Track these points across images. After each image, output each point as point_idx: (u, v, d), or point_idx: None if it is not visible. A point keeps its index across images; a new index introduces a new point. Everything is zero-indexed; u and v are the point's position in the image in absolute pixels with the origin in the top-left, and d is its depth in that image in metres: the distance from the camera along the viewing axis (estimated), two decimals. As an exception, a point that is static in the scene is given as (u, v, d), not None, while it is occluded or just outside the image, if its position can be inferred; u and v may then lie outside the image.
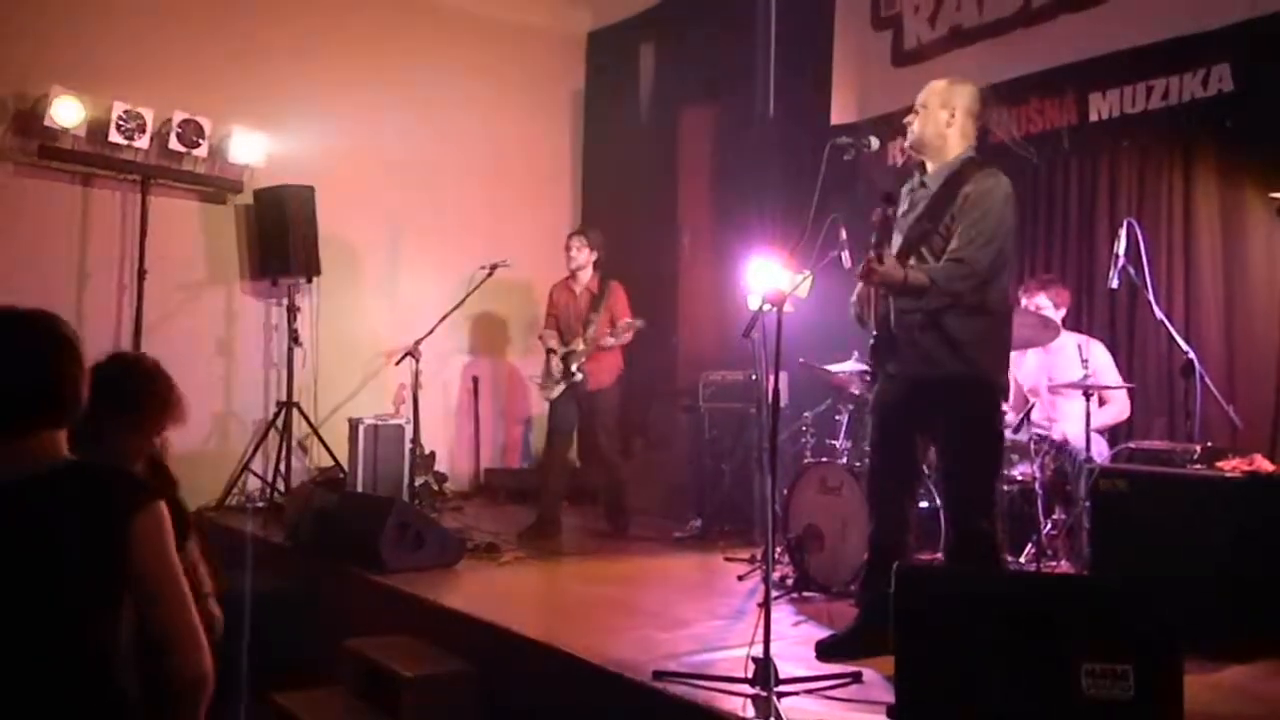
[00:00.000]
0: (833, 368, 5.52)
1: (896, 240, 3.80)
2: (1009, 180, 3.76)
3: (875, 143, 3.89)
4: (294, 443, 7.04)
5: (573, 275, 6.52)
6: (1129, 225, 4.72)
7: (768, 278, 4.26)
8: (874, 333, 3.75)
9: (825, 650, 3.71)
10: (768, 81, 7.37)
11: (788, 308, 3.68)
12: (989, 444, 3.77)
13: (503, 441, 8.48)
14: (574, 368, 6.27)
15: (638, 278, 8.39)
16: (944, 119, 3.78)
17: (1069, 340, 5.13)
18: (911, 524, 3.94)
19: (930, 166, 3.84)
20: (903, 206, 3.88)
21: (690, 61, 8.08)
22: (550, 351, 6.48)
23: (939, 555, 4.95)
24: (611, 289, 6.47)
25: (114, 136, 6.66)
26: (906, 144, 3.90)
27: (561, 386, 6.33)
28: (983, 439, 3.73)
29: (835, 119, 6.78)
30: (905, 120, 3.88)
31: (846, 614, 4.53)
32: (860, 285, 3.84)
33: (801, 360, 5.60)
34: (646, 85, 8.60)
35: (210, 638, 2.44)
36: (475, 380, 8.27)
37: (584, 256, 6.46)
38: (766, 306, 3.47)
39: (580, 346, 6.30)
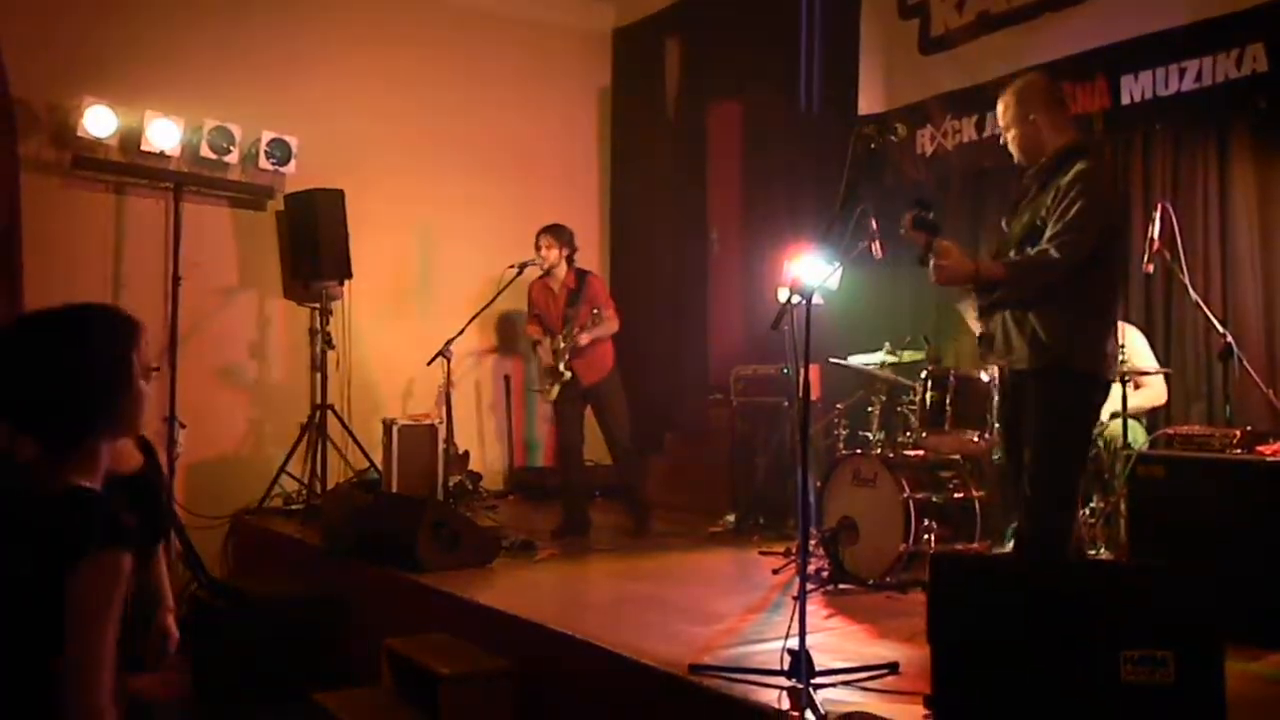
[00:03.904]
0: (858, 360, 5.51)
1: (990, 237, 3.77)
2: (1105, 163, 3.67)
3: (902, 130, 3.86)
4: (329, 445, 7.09)
5: (548, 274, 6.46)
6: (1163, 208, 4.66)
7: (798, 270, 4.24)
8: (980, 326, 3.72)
9: None
10: (795, 74, 7.35)
11: (817, 299, 3.67)
12: (1067, 438, 3.59)
13: (536, 439, 8.50)
14: (560, 366, 6.25)
15: (668, 273, 8.43)
16: (1029, 131, 3.70)
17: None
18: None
19: (1032, 164, 3.76)
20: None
21: (716, 56, 8.06)
22: (535, 343, 6.49)
23: (972, 546, 4.96)
24: (588, 281, 6.40)
25: (146, 145, 6.74)
26: (1016, 161, 3.82)
27: (556, 387, 6.29)
28: (1060, 433, 3.57)
29: (864, 109, 6.74)
30: (1001, 142, 3.84)
31: (882, 606, 4.53)
32: None
33: (831, 360, 5.59)
34: (673, 81, 8.59)
35: (159, 657, 2.31)
36: (507, 379, 8.29)
37: (554, 254, 6.37)
38: (795, 298, 3.46)
39: (560, 345, 6.27)
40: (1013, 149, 3.77)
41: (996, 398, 3.89)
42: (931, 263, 3.53)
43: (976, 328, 3.78)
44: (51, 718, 1.75)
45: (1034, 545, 3.58)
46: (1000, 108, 3.79)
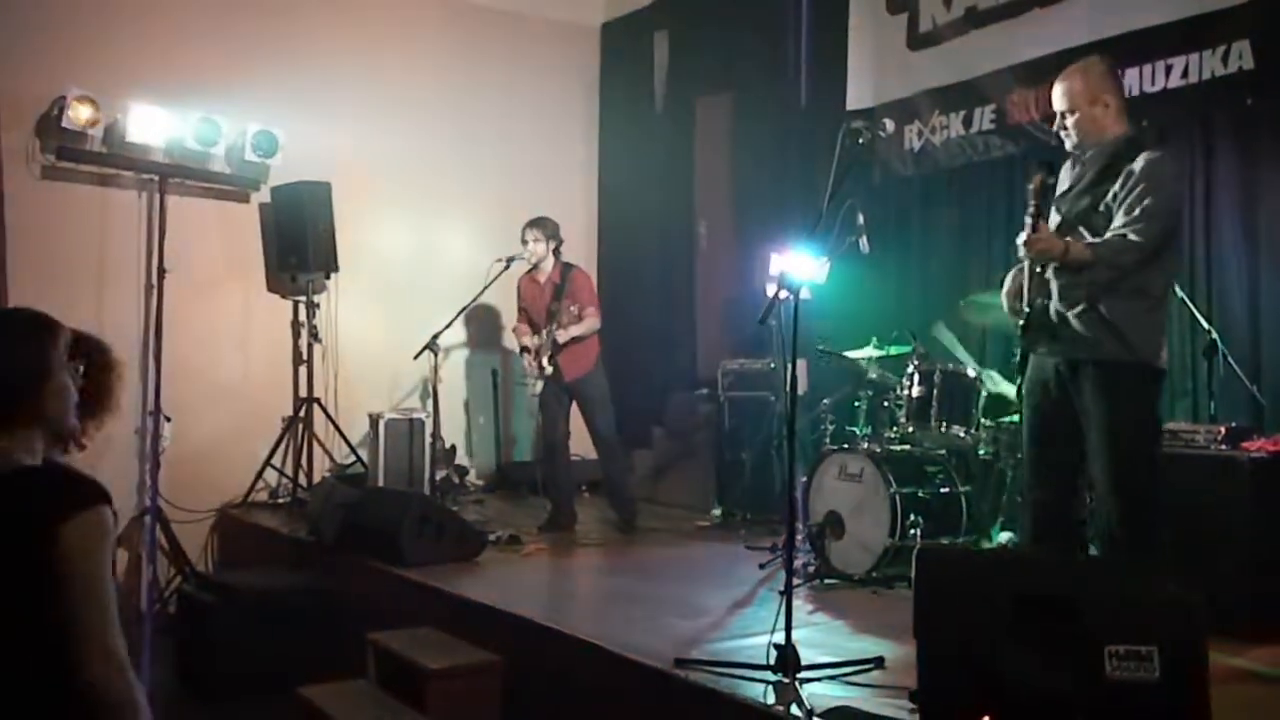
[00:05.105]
0: (851, 354, 5.52)
1: (1054, 219, 3.63)
2: (1176, 158, 3.59)
3: (890, 126, 3.85)
4: (314, 438, 7.07)
5: (535, 267, 6.45)
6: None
7: (786, 264, 4.23)
8: (1026, 310, 3.57)
9: None
10: (784, 68, 7.35)
11: (804, 294, 3.66)
12: (1142, 430, 3.55)
13: (523, 434, 8.49)
14: (544, 361, 6.25)
15: (655, 266, 8.43)
16: (1099, 113, 3.60)
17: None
18: (1083, 505, 3.72)
19: (1089, 149, 3.65)
20: (1062, 184, 3.72)
21: (705, 50, 8.05)
22: (523, 349, 6.48)
23: (958, 541, 4.98)
24: (573, 276, 6.38)
25: (131, 137, 6.69)
26: (1069, 147, 3.70)
27: (540, 382, 6.29)
28: (1136, 425, 3.51)
29: (851, 104, 6.74)
30: (1054, 128, 3.72)
31: (867, 601, 4.54)
32: (1010, 279, 3.70)
33: (820, 348, 5.61)
34: (661, 75, 8.57)
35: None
36: (494, 373, 8.27)
37: (541, 248, 6.36)
38: (783, 293, 3.46)
39: (543, 340, 6.27)
40: (1071, 132, 3.63)
41: (1028, 388, 3.70)
42: (1024, 236, 3.48)
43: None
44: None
45: (1131, 542, 3.44)
46: (1062, 89, 3.64)
